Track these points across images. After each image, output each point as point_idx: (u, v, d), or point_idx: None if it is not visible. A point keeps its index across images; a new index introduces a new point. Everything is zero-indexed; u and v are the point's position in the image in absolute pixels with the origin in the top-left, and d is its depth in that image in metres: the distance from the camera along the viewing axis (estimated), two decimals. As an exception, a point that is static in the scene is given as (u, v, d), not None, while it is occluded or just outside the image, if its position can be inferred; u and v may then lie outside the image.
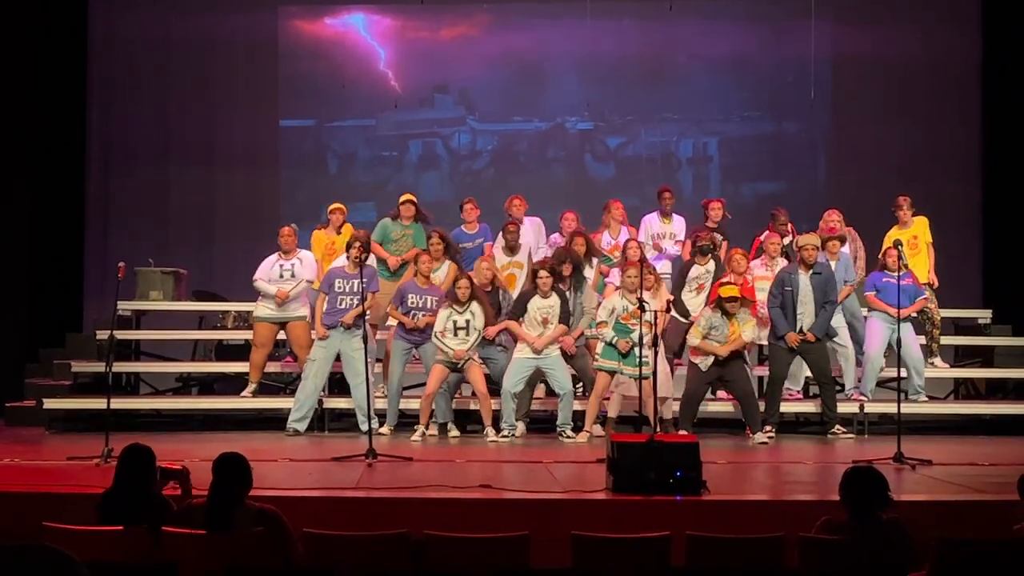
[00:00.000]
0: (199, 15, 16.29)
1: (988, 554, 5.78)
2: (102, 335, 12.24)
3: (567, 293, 11.45)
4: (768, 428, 11.28)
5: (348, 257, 11.46)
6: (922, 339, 12.54)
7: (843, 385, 12.22)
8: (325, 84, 16.38)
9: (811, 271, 11.42)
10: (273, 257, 12.13)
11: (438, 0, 16.28)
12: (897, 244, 11.11)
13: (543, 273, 11.30)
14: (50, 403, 11.90)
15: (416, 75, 16.59)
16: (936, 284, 12.81)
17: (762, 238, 12.56)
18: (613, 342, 11.11)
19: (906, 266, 11.46)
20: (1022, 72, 15.42)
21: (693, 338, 11.14)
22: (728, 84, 16.57)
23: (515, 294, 11.89)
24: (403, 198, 12.65)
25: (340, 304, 11.40)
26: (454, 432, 11.54)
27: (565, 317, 11.32)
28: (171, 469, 6.26)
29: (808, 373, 12.15)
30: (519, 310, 11.38)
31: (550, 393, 11.90)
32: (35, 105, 14.90)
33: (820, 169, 16.73)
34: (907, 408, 11.16)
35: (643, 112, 16.70)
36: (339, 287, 11.43)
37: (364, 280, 10.90)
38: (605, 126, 16.85)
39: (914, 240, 12.68)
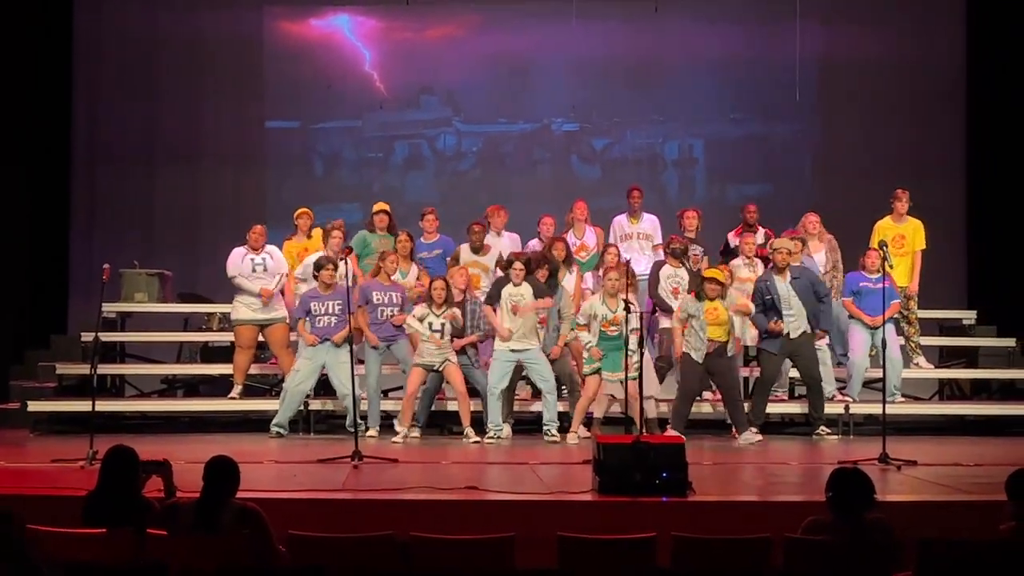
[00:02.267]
0: (185, 15, 16.25)
1: (973, 554, 5.80)
2: (87, 337, 12.21)
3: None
4: (753, 429, 11.30)
5: (319, 278, 11.50)
6: (900, 340, 12.55)
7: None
8: (310, 85, 16.34)
9: (789, 276, 11.41)
10: (241, 250, 12.12)
11: (423, 1, 16.26)
12: (882, 246, 11.11)
13: (518, 264, 11.33)
14: (35, 405, 11.86)
15: (401, 76, 16.57)
16: (915, 292, 12.77)
17: (733, 237, 12.58)
18: (588, 348, 11.12)
19: (891, 266, 11.45)
20: (1007, 74, 15.47)
21: (674, 323, 11.16)
22: (714, 86, 16.58)
23: (481, 296, 11.88)
24: (376, 207, 12.68)
25: (319, 323, 11.46)
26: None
27: (540, 292, 11.31)
28: (153, 461, 6.27)
29: (793, 374, 12.18)
30: (495, 295, 11.39)
31: (534, 394, 11.92)
32: (20, 104, 14.83)
33: (806, 171, 16.75)
34: (892, 409, 11.18)
35: (629, 114, 16.70)
36: (316, 310, 11.48)
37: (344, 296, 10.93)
38: (591, 127, 16.85)
39: (900, 238, 12.64)
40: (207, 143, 16.37)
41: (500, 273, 11.77)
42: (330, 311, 11.41)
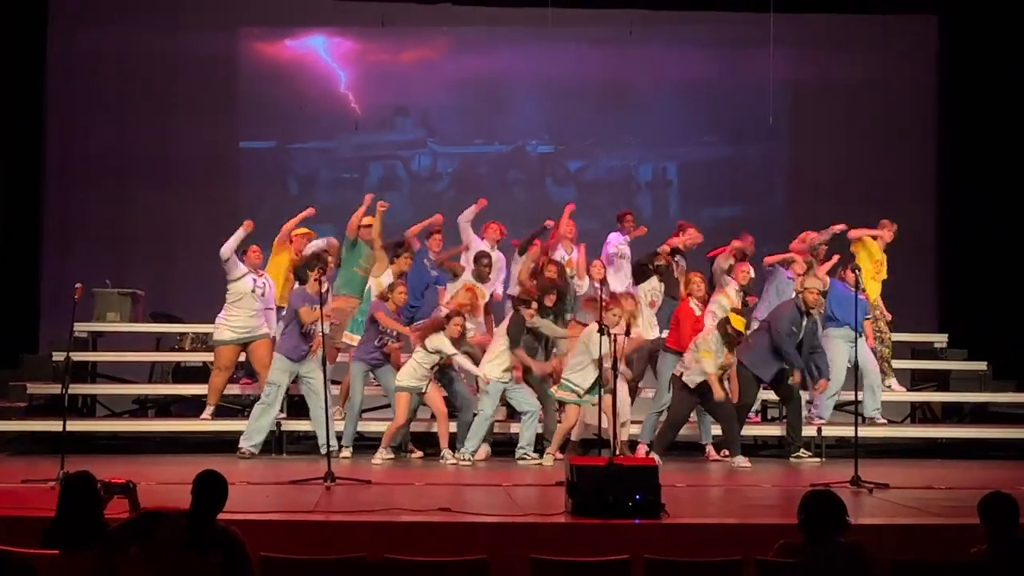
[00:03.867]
0: (159, 35, 16.20)
1: (944, 577, 5.82)
2: (58, 356, 12.12)
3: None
4: (725, 452, 11.35)
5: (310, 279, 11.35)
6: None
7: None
8: (286, 106, 16.34)
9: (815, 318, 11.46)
10: (244, 268, 11.99)
11: (399, 23, 16.29)
12: (855, 269, 11.17)
13: (534, 305, 11.28)
14: (5, 425, 11.79)
15: (377, 97, 16.59)
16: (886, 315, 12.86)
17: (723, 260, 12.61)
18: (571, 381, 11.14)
19: (863, 290, 11.53)
20: (977, 98, 15.60)
21: (708, 364, 10.89)
22: (688, 109, 16.67)
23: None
24: (365, 221, 12.64)
25: (312, 333, 11.37)
26: (417, 454, 11.53)
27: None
28: (115, 483, 6.20)
29: (765, 396, 12.22)
30: (517, 338, 11.29)
31: (510, 415, 11.91)
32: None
33: (779, 193, 16.84)
34: (864, 432, 11.22)
35: (603, 136, 16.78)
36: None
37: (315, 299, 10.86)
38: (565, 149, 16.92)
39: (879, 264, 12.73)
40: (181, 163, 16.32)
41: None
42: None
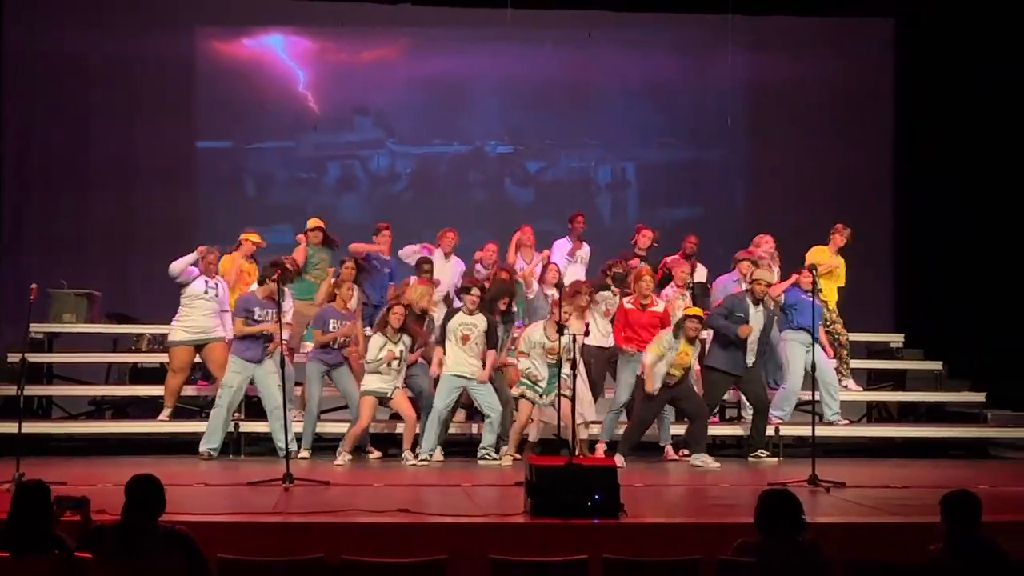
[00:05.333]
0: (116, 34, 16.09)
1: (900, 576, 5.86)
2: (14, 358, 11.99)
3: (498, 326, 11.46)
4: (684, 452, 11.40)
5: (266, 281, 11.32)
6: (834, 362, 12.68)
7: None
8: (243, 105, 16.28)
9: (763, 308, 11.49)
10: (196, 270, 11.93)
11: (358, 23, 16.25)
12: (812, 269, 11.25)
13: (475, 291, 11.29)
14: (-41, 427, 11.65)
15: (335, 97, 16.55)
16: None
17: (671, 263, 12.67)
18: (527, 373, 11.14)
19: (820, 291, 11.62)
20: (932, 95, 15.73)
21: (648, 355, 10.96)
22: (647, 110, 16.72)
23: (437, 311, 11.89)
24: (311, 224, 12.65)
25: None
26: (375, 454, 11.50)
27: (493, 341, 11.31)
28: (69, 498, 6.13)
29: (727, 397, 12.30)
30: (442, 336, 11.33)
31: (469, 416, 11.90)
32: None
33: (737, 195, 16.92)
34: (822, 431, 11.27)
35: (563, 137, 16.80)
36: (259, 315, 11.35)
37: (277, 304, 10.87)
38: (525, 150, 16.93)
39: (837, 270, 12.82)
40: (138, 163, 16.23)
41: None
42: (272, 319, 11.24)
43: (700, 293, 12.59)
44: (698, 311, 11.15)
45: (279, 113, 16.41)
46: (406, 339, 11.24)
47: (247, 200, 16.48)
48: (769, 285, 11.63)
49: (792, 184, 16.35)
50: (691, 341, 10.98)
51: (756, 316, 11.45)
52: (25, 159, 16.04)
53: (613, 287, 11.95)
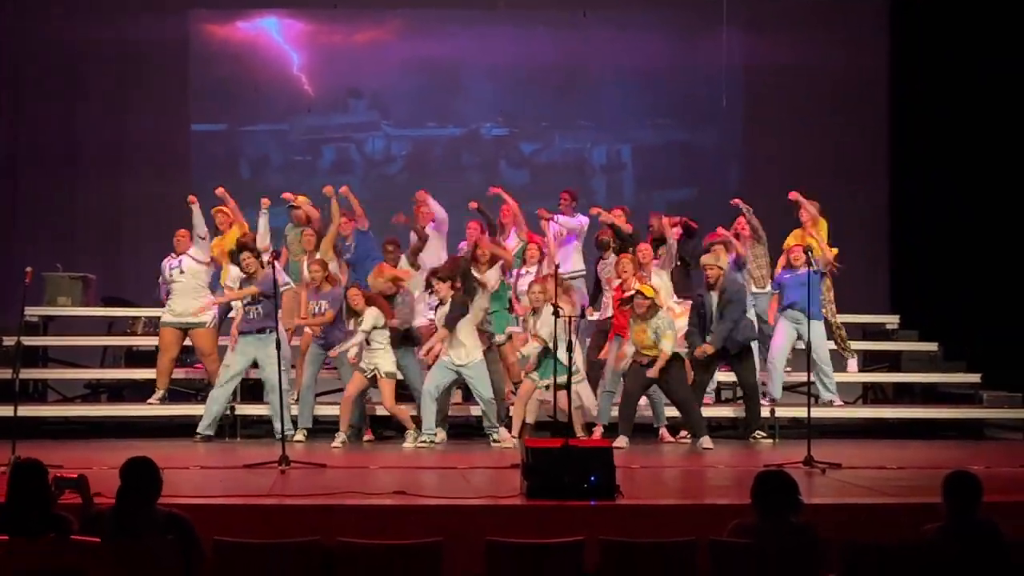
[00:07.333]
0: (109, 17, 16.04)
1: (896, 557, 5.87)
2: (9, 341, 11.97)
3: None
4: (683, 432, 11.41)
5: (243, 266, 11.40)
6: (831, 344, 12.68)
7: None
8: (237, 88, 16.24)
9: (717, 294, 11.44)
10: (167, 260, 12.05)
11: (352, 5, 16.22)
12: (807, 250, 11.24)
13: (434, 282, 11.26)
14: (-46, 411, 11.64)
15: (330, 80, 16.52)
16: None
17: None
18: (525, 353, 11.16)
19: (818, 262, 11.61)
20: (928, 80, 15.70)
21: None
22: (641, 92, 16.69)
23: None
24: (300, 200, 12.71)
25: (248, 315, 11.39)
26: (368, 437, 11.50)
27: (452, 319, 11.18)
28: (66, 478, 6.12)
29: (721, 378, 12.29)
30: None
31: (467, 398, 11.91)
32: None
33: (732, 176, 16.89)
34: (817, 412, 11.31)
35: (557, 119, 16.78)
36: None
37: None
38: (519, 132, 16.91)
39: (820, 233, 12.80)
40: (132, 146, 16.21)
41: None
42: (257, 301, 11.26)
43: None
44: (648, 289, 11.09)
45: (273, 96, 16.37)
46: (372, 315, 11.16)
47: (241, 183, 16.39)
48: (720, 268, 11.51)
49: (787, 165, 16.30)
50: (642, 319, 10.94)
51: (706, 302, 11.41)
52: (18, 143, 16.01)
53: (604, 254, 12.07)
